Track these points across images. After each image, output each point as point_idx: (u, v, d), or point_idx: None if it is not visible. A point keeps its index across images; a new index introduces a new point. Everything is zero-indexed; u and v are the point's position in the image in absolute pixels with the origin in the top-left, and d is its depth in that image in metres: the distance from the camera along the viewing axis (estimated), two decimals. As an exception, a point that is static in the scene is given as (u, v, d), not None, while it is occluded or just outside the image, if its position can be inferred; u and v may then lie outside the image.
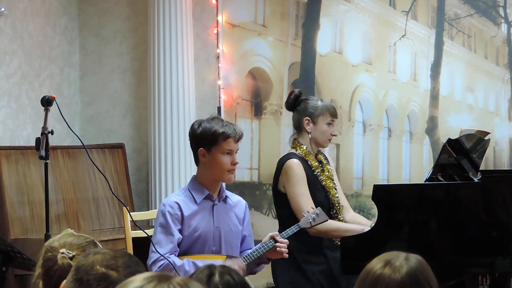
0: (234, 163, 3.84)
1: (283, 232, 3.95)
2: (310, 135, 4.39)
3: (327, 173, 4.44)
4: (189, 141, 3.94)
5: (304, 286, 4.26)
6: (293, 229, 3.98)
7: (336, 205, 4.41)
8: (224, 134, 3.79)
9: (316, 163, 4.41)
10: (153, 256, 3.73)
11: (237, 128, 3.86)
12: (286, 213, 4.33)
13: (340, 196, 4.48)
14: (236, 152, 3.86)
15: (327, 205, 4.38)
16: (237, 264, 3.77)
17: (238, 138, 3.84)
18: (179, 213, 3.81)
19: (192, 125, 3.90)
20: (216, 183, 3.91)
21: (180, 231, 3.81)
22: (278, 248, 3.82)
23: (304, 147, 4.40)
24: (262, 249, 3.83)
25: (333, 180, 4.47)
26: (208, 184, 3.89)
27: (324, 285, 4.27)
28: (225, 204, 3.94)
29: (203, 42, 6.18)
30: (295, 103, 4.44)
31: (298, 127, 4.44)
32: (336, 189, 4.45)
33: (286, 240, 3.87)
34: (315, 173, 4.39)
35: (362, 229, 4.16)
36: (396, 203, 4.10)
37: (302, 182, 4.30)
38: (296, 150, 4.41)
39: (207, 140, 3.80)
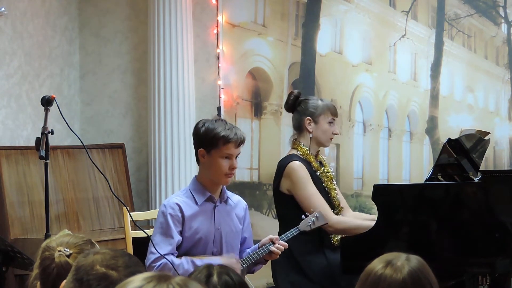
0: (232, 168, 3.81)
1: (282, 235, 3.95)
2: (311, 134, 4.38)
3: (328, 174, 4.44)
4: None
5: (304, 286, 4.26)
6: (292, 232, 3.99)
7: (337, 206, 4.41)
8: (224, 138, 3.76)
9: (317, 164, 4.41)
10: (151, 257, 3.73)
11: (240, 132, 3.82)
12: (287, 214, 4.32)
13: (339, 197, 4.48)
14: (236, 157, 3.83)
15: (329, 206, 4.38)
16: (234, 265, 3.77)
17: (239, 143, 3.80)
18: (179, 214, 3.79)
19: (197, 124, 3.89)
20: (216, 184, 3.90)
21: (181, 232, 3.80)
22: (275, 250, 3.84)
23: (305, 148, 4.39)
24: (262, 251, 3.85)
25: (333, 181, 4.47)
26: (209, 185, 3.87)
27: (325, 285, 4.26)
28: (226, 205, 3.93)
29: (203, 42, 6.18)
30: (294, 104, 4.44)
31: (299, 128, 4.43)
32: (336, 190, 4.45)
33: (285, 243, 3.88)
34: (317, 173, 4.39)
35: None
36: (396, 203, 4.10)
37: (309, 183, 4.28)
38: (297, 151, 4.40)
39: (207, 142, 3.79)
